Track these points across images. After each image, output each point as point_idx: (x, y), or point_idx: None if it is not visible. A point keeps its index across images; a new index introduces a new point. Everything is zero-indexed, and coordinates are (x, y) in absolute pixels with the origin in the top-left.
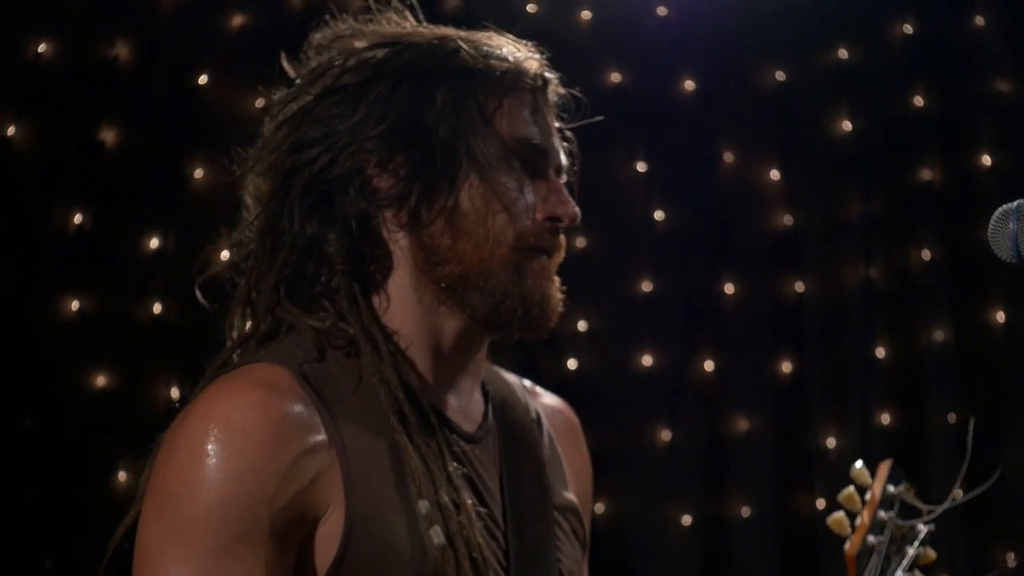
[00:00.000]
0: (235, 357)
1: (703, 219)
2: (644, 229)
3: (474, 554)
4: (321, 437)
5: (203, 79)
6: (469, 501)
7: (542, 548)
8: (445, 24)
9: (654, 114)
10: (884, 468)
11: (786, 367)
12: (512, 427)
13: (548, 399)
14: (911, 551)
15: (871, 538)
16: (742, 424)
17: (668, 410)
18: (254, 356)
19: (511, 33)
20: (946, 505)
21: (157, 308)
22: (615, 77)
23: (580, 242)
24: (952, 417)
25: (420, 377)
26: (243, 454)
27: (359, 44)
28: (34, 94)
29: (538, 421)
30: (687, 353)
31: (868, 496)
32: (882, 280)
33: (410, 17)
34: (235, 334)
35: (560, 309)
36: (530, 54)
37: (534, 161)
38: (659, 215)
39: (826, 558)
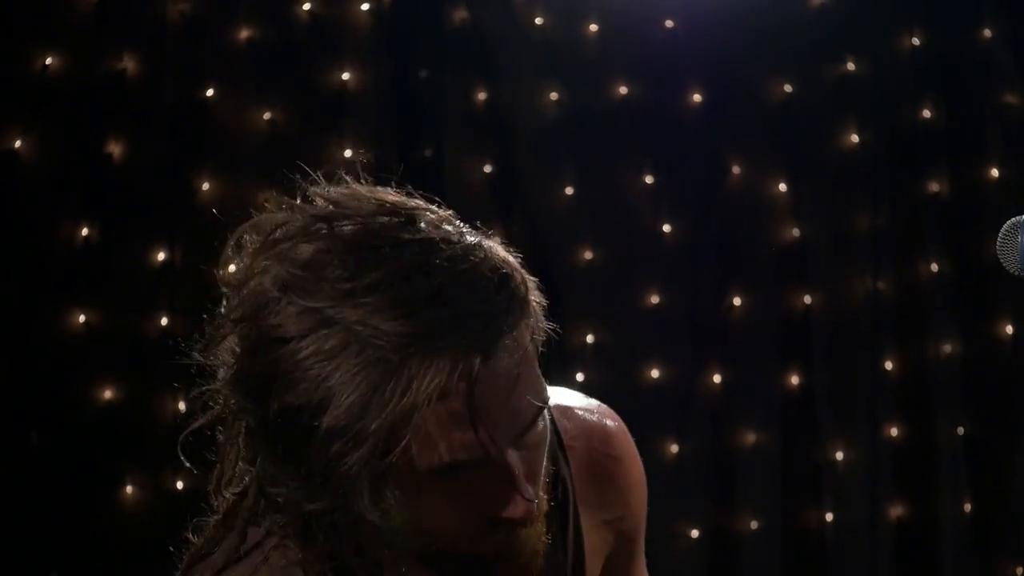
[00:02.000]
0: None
1: (711, 232)
2: (652, 242)
3: None
4: None
5: (210, 92)
6: None
7: None
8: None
9: (662, 127)
10: None
11: (794, 380)
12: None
13: (579, 445)
14: None
15: None
16: (750, 437)
17: (676, 423)
18: None
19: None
20: None
21: (164, 321)
22: (622, 90)
23: (587, 255)
24: (961, 430)
25: None
26: None
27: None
28: (41, 107)
29: (568, 488)
30: (695, 366)
31: None
32: (890, 293)
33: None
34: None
35: (541, 554)
36: (484, 305)
37: (474, 467)
38: (667, 228)
39: (835, 571)
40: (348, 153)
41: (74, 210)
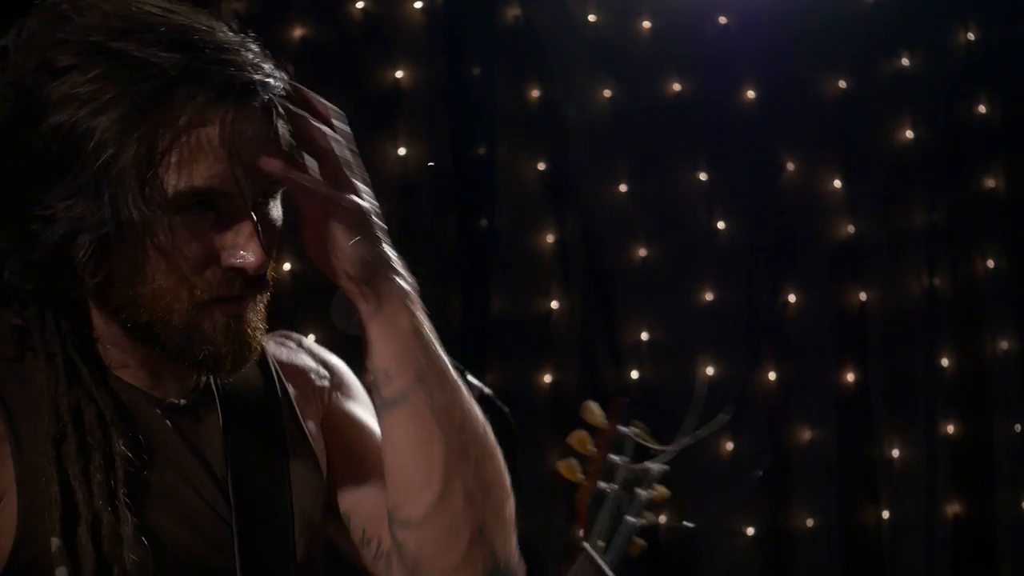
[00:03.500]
0: None
1: (765, 229)
2: (706, 239)
3: (127, 566)
4: None
5: None
6: (127, 511)
7: (272, 504)
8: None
9: (715, 123)
10: (616, 406)
11: (850, 377)
12: (235, 390)
13: (272, 343)
14: (641, 494)
15: (603, 485)
16: (805, 434)
17: (731, 421)
18: None
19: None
20: (677, 446)
21: None
22: (676, 86)
23: (642, 252)
24: (1018, 427)
25: (112, 363)
26: None
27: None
28: None
29: (273, 375)
30: (750, 363)
31: (599, 438)
32: (946, 289)
33: None
34: None
35: (254, 350)
36: (241, 59)
37: (214, 205)
38: (721, 225)
39: (891, 569)
40: (402, 151)
41: None
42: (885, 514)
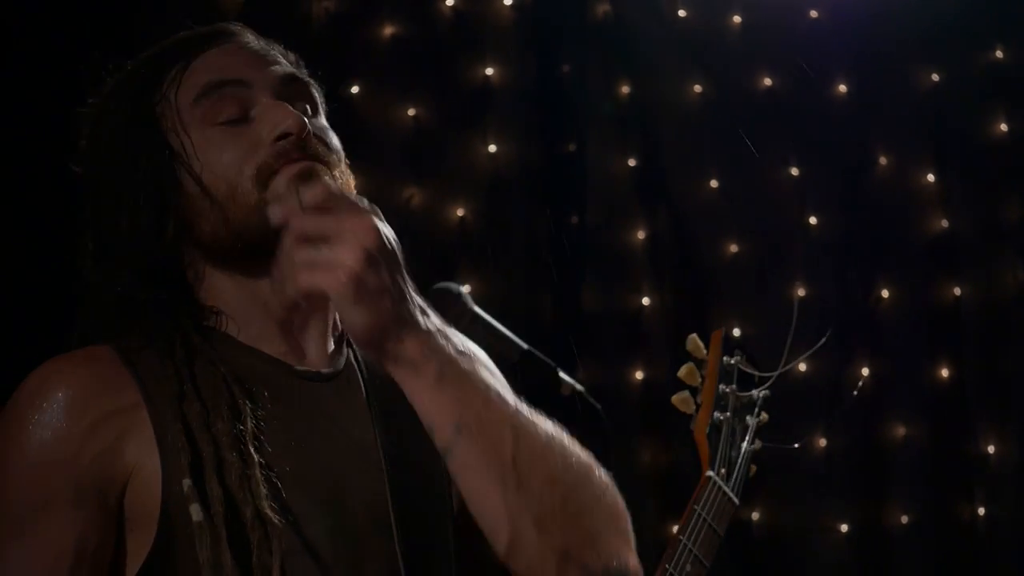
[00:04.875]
0: None
1: (858, 223)
2: (798, 234)
3: (259, 505)
4: (129, 399)
5: (355, 89)
6: (255, 456)
7: (423, 460)
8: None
9: (807, 118)
10: (717, 338)
11: (944, 373)
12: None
13: None
14: (751, 421)
15: (717, 415)
16: (900, 431)
17: (824, 417)
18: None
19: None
20: (780, 371)
21: None
22: (767, 81)
23: (733, 248)
24: None
25: (252, 344)
26: (44, 423)
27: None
28: None
29: None
30: (843, 359)
31: (706, 370)
32: None
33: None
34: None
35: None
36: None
37: (236, 96)
38: (813, 220)
39: (987, 566)
40: (492, 148)
41: None
42: (981, 511)
